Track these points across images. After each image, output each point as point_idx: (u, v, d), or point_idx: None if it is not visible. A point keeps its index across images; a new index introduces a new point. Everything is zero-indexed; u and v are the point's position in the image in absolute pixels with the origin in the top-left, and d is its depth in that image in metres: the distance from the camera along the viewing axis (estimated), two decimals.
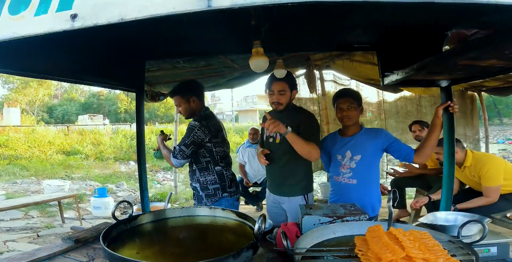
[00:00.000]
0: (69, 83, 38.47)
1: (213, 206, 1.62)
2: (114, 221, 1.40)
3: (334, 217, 1.51)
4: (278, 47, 1.80)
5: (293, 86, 2.09)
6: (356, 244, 1.11)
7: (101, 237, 1.21)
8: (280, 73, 1.98)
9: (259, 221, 1.17)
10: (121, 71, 2.03)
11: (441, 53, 1.23)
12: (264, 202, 5.44)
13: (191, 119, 2.21)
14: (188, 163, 2.28)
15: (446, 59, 1.17)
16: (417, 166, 3.98)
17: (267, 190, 2.40)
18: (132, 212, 1.49)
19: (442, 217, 1.47)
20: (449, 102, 1.81)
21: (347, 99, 1.98)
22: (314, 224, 1.52)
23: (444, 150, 1.82)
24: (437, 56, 1.22)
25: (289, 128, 1.86)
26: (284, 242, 1.08)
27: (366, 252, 1.01)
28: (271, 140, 2.25)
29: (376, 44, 1.98)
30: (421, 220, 1.46)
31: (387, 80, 1.79)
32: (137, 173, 10.15)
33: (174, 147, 2.15)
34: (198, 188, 2.26)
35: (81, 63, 1.82)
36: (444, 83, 1.81)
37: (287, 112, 2.13)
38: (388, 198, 1.36)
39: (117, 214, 1.49)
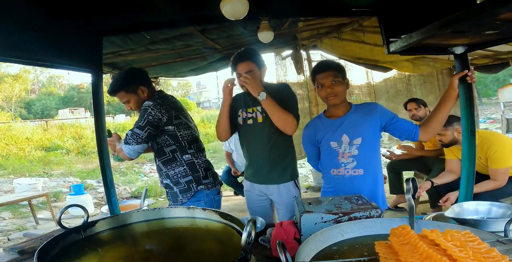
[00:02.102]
0: (46, 78, 37.28)
1: (191, 206, 1.33)
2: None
3: (340, 214, 1.25)
4: (260, 9, 1.47)
5: (260, 63, 1.90)
6: (378, 253, 0.83)
7: (36, 253, 0.90)
8: (266, 36, 1.67)
9: (248, 227, 0.88)
10: (72, 48, 1.66)
11: (479, 3, 0.94)
12: None
13: None
14: (153, 159, 1.96)
15: (487, 10, 0.88)
16: (414, 147, 3.78)
17: (246, 181, 2.11)
18: (87, 217, 1.18)
19: (471, 208, 1.20)
20: (466, 71, 1.53)
21: (329, 73, 1.64)
22: (316, 223, 1.26)
23: (462, 127, 1.55)
24: (474, 7, 0.93)
25: (264, 94, 1.74)
26: (283, 258, 0.79)
27: None
28: (250, 121, 1.96)
29: (378, 8, 1.68)
30: (447, 213, 1.19)
31: (394, 46, 1.49)
32: (122, 166, 9.71)
33: (126, 133, 1.80)
34: (171, 184, 1.95)
35: (16, 37, 1.45)
36: (459, 50, 1.53)
37: (268, 90, 1.91)
38: (407, 188, 1.08)
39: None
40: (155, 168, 9.08)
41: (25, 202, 4.29)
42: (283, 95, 1.89)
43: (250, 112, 1.98)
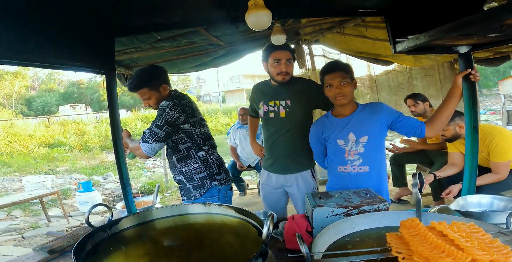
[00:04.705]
0: (46, 74, 37.17)
1: (207, 202, 1.39)
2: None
3: (350, 207, 1.31)
4: (273, 12, 1.51)
5: (295, 55, 2.00)
6: (390, 243, 0.90)
7: (73, 252, 0.97)
8: (279, 39, 1.70)
9: (268, 222, 0.94)
10: (84, 50, 1.70)
11: (487, 10, 0.99)
12: (251, 187, 5.30)
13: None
14: (166, 156, 2.01)
15: (494, 16, 0.94)
16: (416, 140, 3.84)
17: (265, 172, 2.18)
18: (112, 215, 1.25)
19: (474, 201, 1.28)
20: (470, 69, 1.59)
21: (338, 74, 1.67)
22: (327, 217, 1.32)
23: (465, 123, 1.62)
24: (482, 13, 0.98)
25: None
26: (302, 249, 0.86)
27: (408, 254, 0.80)
28: (272, 114, 2.03)
29: (384, 8, 1.72)
30: (451, 206, 1.26)
31: (400, 47, 1.55)
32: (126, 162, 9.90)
33: (144, 131, 1.86)
34: (184, 180, 2.00)
35: (31, 41, 1.49)
36: (463, 49, 1.58)
37: (292, 84, 2.01)
38: (414, 182, 1.15)
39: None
40: (158, 163, 9.07)
41: (35, 200, 4.37)
42: (317, 94, 1.92)
43: (272, 106, 2.03)
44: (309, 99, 1.99)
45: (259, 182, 3.40)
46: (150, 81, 1.91)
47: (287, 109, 1.99)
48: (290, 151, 2.03)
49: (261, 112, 2.09)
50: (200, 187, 1.98)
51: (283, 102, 2.00)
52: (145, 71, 1.96)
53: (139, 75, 1.93)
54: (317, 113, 5.00)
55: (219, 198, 1.98)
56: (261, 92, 2.13)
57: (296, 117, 1.98)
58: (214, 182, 1.99)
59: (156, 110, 1.90)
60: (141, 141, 1.84)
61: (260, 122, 2.28)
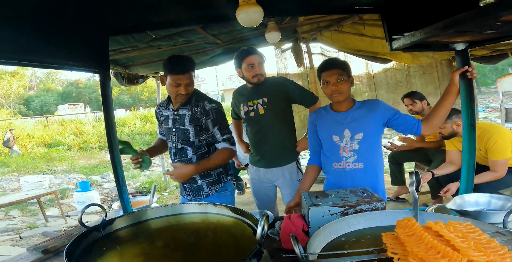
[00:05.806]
0: (44, 73, 37.06)
1: (203, 202, 1.38)
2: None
3: (346, 207, 1.30)
4: (268, 9, 1.50)
5: (264, 58, 2.13)
6: (385, 243, 0.89)
7: (65, 252, 0.95)
8: (273, 36, 1.70)
9: (263, 222, 0.93)
10: (78, 49, 1.68)
11: (483, 6, 0.98)
12: (248, 185, 5.28)
13: (194, 102, 1.93)
14: (174, 154, 1.97)
15: (490, 13, 0.92)
16: (414, 138, 3.83)
17: (253, 168, 2.29)
18: (106, 215, 1.24)
19: (472, 200, 1.26)
20: (467, 67, 1.57)
21: (335, 71, 1.67)
22: (323, 216, 1.31)
23: (462, 121, 1.61)
24: (477, 9, 0.96)
25: None
26: (297, 249, 0.85)
27: (403, 255, 0.80)
28: (252, 114, 2.17)
29: (380, 6, 1.70)
30: (448, 205, 1.25)
31: (396, 44, 1.54)
32: (125, 161, 9.84)
33: (228, 137, 1.87)
34: (196, 178, 1.93)
35: (25, 41, 1.47)
36: (460, 47, 1.56)
37: (267, 83, 2.14)
38: (411, 181, 1.14)
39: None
40: (156, 161, 8.92)
41: (33, 200, 4.36)
42: (292, 90, 2.17)
43: (250, 106, 2.18)
44: (284, 95, 2.15)
45: None
46: (193, 66, 1.88)
47: (265, 106, 2.12)
48: (274, 146, 2.16)
49: (242, 113, 2.23)
50: (216, 183, 1.95)
51: (260, 101, 2.14)
52: (187, 58, 1.91)
53: (185, 60, 1.86)
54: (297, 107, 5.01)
55: (230, 192, 1.99)
56: (239, 95, 2.28)
57: (274, 113, 2.11)
58: (229, 177, 2.01)
59: (184, 100, 1.91)
60: (230, 146, 1.87)
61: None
